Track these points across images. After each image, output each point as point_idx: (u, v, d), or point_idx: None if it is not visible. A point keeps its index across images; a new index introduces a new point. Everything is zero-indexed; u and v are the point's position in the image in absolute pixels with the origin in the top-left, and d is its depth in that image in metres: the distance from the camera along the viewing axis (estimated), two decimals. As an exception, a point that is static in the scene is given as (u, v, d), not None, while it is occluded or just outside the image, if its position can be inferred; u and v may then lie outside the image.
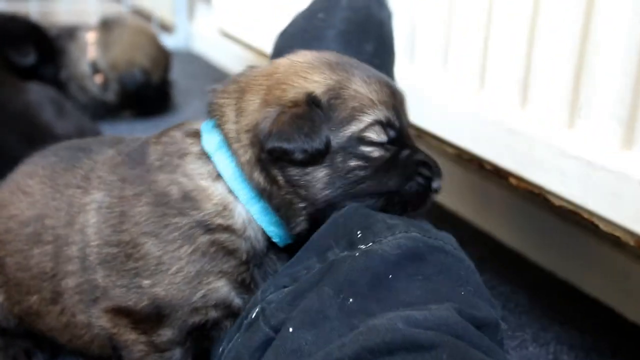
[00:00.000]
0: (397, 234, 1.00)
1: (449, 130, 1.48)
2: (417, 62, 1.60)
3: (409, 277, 0.96)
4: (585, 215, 1.21)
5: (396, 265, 0.97)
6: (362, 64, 1.10)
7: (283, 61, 1.09)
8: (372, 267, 0.97)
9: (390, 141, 1.05)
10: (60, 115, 2.23)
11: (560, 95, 1.24)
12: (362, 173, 1.03)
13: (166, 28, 3.81)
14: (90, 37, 2.62)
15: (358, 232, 1.01)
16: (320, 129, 0.99)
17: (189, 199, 1.04)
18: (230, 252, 1.05)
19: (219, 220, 1.04)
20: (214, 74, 3.26)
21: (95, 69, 2.61)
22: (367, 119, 1.02)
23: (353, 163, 1.02)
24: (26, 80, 2.31)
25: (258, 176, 1.04)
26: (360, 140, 1.02)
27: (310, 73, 1.04)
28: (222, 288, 1.05)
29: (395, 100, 1.06)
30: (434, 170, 1.06)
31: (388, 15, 1.58)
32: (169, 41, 3.42)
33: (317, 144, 0.99)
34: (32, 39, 2.48)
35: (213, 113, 1.09)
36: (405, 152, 1.06)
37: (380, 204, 1.05)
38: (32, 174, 1.23)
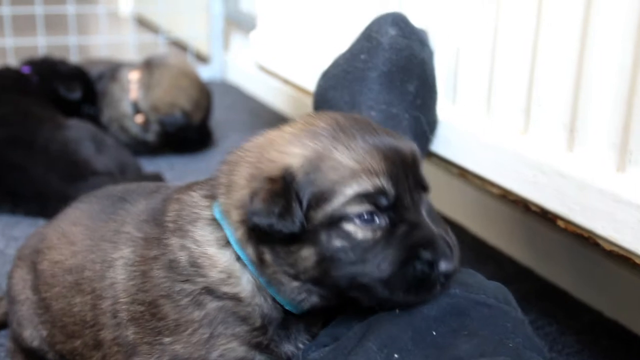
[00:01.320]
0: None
1: (493, 171, 1.46)
2: (460, 101, 1.59)
3: (453, 333, 0.95)
4: (637, 261, 1.19)
5: (437, 321, 0.96)
6: (364, 124, 0.99)
7: (273, 132, 1.04)
8: (413, 324, 0.96)
9: (386, 212, 0.94)
10: (100, 150, 2.27)
11: (609, 138, 1.22)
12: (350, 255, 0.93)
13: (202, 59, 3.85)
14: (133, 77, 2.66)
15: None
16: (292, 208, 0.92)
17: (195, 266, 1.04)
18: (242, 318, 1.04)
19: (225, 288, 1.03)
20: (250, 105, 3.28)
21: (137, 110, 2.64)
22: (348, 191, 0.91)
23: (338, 244, 0.93)
24: (69, 117, 2.36)
25: (251, 251, 1.01)
26: (343, 217, 0.93)
27: (290, 145, 0.97)
28: (237, 348, 1.05)
29: (392, 166, 0.94)
30: (440, 251, 0.93)
31: (430, 55, 1.57)
32: (204, 72, 3.45)
33: (289, 224, 0.92)
34: (78, 79, 2.54)
35: (215, 184, 1.07)
36: (403, 228, 0.94)
37: (373, 295, 0.96)
38: (77, 222, 1.26)
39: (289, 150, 0.96)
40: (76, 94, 2.50)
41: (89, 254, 1.19)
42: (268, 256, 0.99)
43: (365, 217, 0.92)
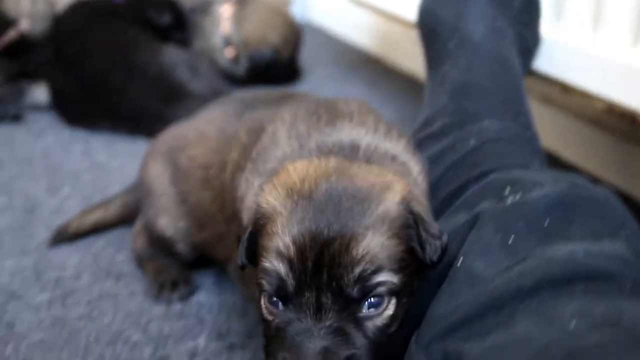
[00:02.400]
0: (545, 188, 1.00)
1: (600, 85, 1.45)
2: (565, 18, 1.57)
3: (564, 223, 0.96)
4: None
5: (547, 213, 0.97)
6: (323, 209, 0.88)
7: (286, 178, 0.96)
8: (525, 215, 0.97)
9: (287, 303, 0.87)
10: (194, 75, 2.33)
11: None
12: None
13: None
14: (225, 11, 2.70)
15: (507, 188, 1.02)
16: (243, 245, 0.96)
17: None
18: None
19: None
20: (333, 45, 3.29)
21: (227, 43, 2.69)
22: (262, 265, 0.89)
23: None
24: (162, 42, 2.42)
25: None
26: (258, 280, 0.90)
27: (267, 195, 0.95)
28: None
29: (303, 257, 0.85)
30: None
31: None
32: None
33: (243, 254, 0.97)
34: (168, 5, 2.60)
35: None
36: (286, 333, 0.86)
37: None
38: (211, 122, 1.35)
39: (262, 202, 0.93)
40: (165, 19, 2.55)
41: (215, 153, 1.27)
42: None
43: (270, 300, 0.88)
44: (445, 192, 1.26)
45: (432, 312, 0.92)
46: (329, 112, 1.11)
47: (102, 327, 1.30)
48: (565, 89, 1.55)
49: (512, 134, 1.32)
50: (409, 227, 0.92)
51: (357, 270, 0.85)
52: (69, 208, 1.76)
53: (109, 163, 2.05)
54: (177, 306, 1.38)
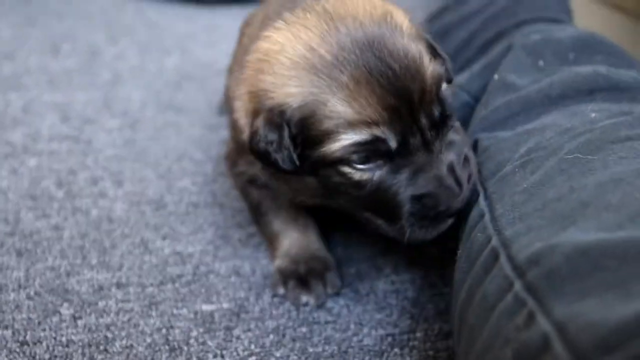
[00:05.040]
0: (568, 31, 1.15)
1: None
2: None
3: (588, 56, 1.09)
4: None
5: (571, 49, 1.11)
6: (371, 49, 0.84)
7: (271, 49, 0.90)
8: (552, 47, 1.12)
9: (387, 157, 0.86)
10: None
11: None
12: (351, 190, 0.90)
13: None
14: None
15: (535, 33, 1.17)
16: (285, 146, 0.88)
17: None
18: None
19: None
20: None
21: None
22: (340, 143, 0.84)
23: (337, 179, 0.89)
24: None
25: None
26: (338, 161, 0.87)
27: (288, 79, 0.87)
28: None
29: (396, 112, 0.83)
30: (442, 196, 0.86)
31: None
32: None
33: (281, 163, 0.89)
34: None
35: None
36: (405, 173, 0.87)
37: (377, 228, 0.94)
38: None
39: (286, 87, 0.87)
40: None
41: None
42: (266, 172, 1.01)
43: (362, 161, 0.86)
44: (482, 40, 1.39)
45: (470, 119, 1.08)
46: None
47: (168, 147, 1.47)
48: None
49: (547, -9, 1.44)
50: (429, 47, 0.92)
51: (439, 94, 0.87)
52: (129, 55, 1.92)
53: (160, 21, 2.18)
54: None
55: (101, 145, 1.47)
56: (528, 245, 0.68)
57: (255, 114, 0.90)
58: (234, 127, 1.04)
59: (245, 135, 0.94)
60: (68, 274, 1.10)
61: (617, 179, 0.72)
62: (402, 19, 0.89)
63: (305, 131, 0.86)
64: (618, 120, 0.86)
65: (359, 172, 0.87)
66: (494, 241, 0.75)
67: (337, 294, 1.08)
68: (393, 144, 0.84)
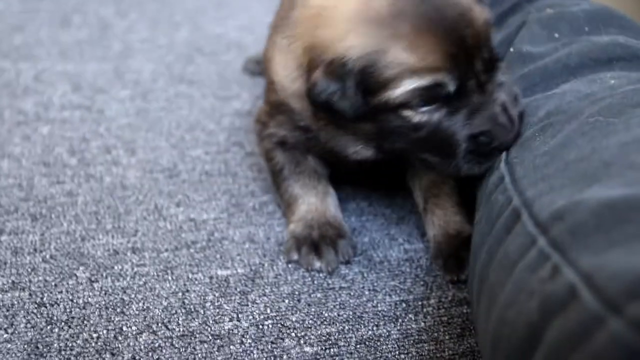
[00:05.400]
0: (582, 5, 1.15)
1: None
2: None
3: (603, 29, 1.09)
4: None
5: (586, 22, 1.10)
6: (428, 3, 0.88)
7: (325, 4, 0.94)
8: (567, 20, 1.11)
9: (446, 99, 0.90)
10: None
11: None
12: (409, 133, 0.94)
13: None
14: None
15: (547, 8, 1.16)
16: (348, 94, 0.90)
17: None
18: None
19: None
20: None
21: None
22: (405, 86, 0.88)
23: (396, 122, 0.93)
24: None
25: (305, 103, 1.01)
26: (399, 105, 0.90)
27: (346, 32, 0.90)
28: None
29: (455, 58, 0.87)
30: (496, 133, 0.91)
31: None
32: None
33: (346, 106, 0.92)
34: None
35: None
36: (463, 112, 0.91)
37: (431, 165, 0.98)
38: None
39: (345, 39, 0.89)
40: None
41: None
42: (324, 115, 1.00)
43: (423, 104, 0.90)
44: (497, 12, 1.39)
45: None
46: None
47: (180, 118, 1.47)
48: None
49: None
50: None
51: (489, 39, 0.92)
52: (139, 29, 1.91)
53: None
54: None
55: (113, 114, 1.47)
56: (551, 203, 0.69)
57: (311, 67, 0.93)
58: (271, 87, 1.07)
59: (292, 90, 1.00)
60: (83, 239, 1.10)
61: (639, 140, 0.72)
62: None
63: (366, 79, 0.89)
64: (638, 86, 0.86)
65: (419, 115, 0.91)
66: (515, 201, 0.75)
67: (349, 262, 1.08)
68: (451, 87, 0.88)
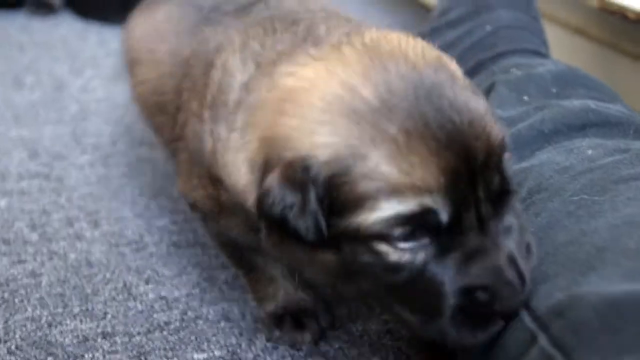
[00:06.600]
0: (547, 66, 1.17)
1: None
2: None
3: (570, 89, 1.11)
4: None
5: (553, 83, 1.12)
6: (427, 91, 0.68)
7: (297, 87, 0.74)
8: (534, 81, 1.13)
9: (436, 234, 0.68)
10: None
11: None
12: (381, 274, 0.71)
13: None
14: None
15: (513, 68, 1.18)
16: (309, 210, 0.69)
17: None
18: None
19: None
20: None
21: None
22: (384, 210, 0.66)
23: (365, 259, 0.70)
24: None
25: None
26: (373, 236, 0.68)
27: (317, 124, 0.70)
28: None
29: (452, 175, 0.66)
30: (500, 292, 0.68)
31: None
32: None
33: (304, 233, 0.70)
34: None
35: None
36: (456, 257, 0.69)
37: (405, 325, 0.79)
38: (164, 35, 1.14)
39: (314, 134, 0.69)
40: None
41: (169, 77, 1.08)
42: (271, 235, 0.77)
43: (405, 238, 0.68)
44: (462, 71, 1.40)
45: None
46: (284, 20, 0.91)
47: (143, 184, 1.43)
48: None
49: (524, 23, 1.45)
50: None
51: (503, 160, 0.70)
52: (95, 87, 1.87)
53: (127, 51, 2.14)
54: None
55: (74, 183, 1.42)
56: (547, 296, 0.67)
57: (267, 167, 0.72)
58: (218, 182, 0.87)
59: (245, 194, 0.79)
60: (50, 325, 1.05)
61: (629, 222, 0.71)
62: (455, 66, 0.75)
63: (333, 193, 0.68)
64: (616, 158, 0.86)
65: (398, 253, 0.68)
66: None
67: (333, 328, 1.06)
68: (444, 217, 0.67)
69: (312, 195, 0.68)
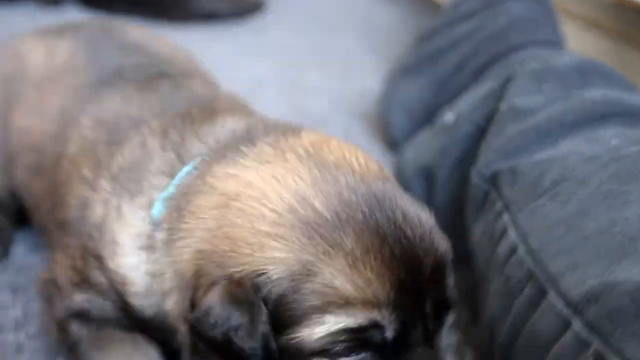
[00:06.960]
0: (565, 57, 1.17)
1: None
2: None
3: (589, 80, 1.11)
4: None
5: (571, 74, 1.12)
6: (378, 201, 0.68)
7: (243, 193, 0.70)
8: (553, 72, 1.14)
9: (381, 349, 0.66)
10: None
11: None
12: None
13: None
14: None
15: (532, 60, 1.19)
16: (256, 336, 0.65)
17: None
18: None
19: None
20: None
21: None
22: (326, 327, 0.64)
23: None
24: None
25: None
26: (315, 352, 0.65)
27: (273, 240, 0.66)
28: None
29: (402, 291, 0.65)
30: None
31: None
32: None
33: (251, 356, 0.65)
34: None
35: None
36: None
37: None
38: (57, 83, 1.07)
39: (265, 249, 0.66)
40: None
41: (51, 138, 1.02)
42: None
43: (347, 353, 0.66)
44: (476, 64, 1.40)
45: (480, 149, 1.07)
46: (203, 111, 0.89)
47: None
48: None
49: (537, 13, 1.45)
50: None
51: (450, 275, 0.70)
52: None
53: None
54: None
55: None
56: (580, 282, 0.68)
57: (201, 283, 0.67)
58: (96, 259, 0.81)
59: (157, 302, 0.74)
60: (67, 311, 1.03)
61: (659, 211, 0.72)
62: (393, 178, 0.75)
63: (280, 310, 0.65)
64: (640, 147, 0.86)
65: None
66: (537, 276, 0.74)
67: None
68: (390, 333, 0.65)
69: (263, 316, 0.64)
